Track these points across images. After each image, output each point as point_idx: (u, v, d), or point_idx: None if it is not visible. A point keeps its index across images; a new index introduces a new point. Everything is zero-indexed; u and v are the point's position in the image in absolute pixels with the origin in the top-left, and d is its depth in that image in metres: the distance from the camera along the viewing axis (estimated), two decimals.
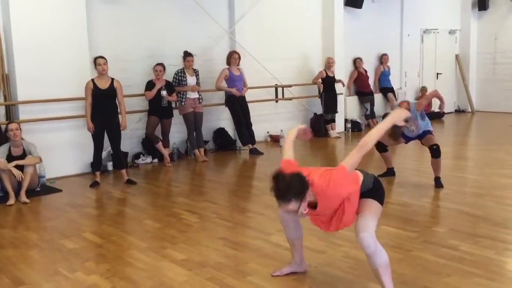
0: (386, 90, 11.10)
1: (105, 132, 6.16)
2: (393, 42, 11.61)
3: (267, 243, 3.92)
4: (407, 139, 5.81)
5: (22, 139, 5.76)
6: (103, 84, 6.06)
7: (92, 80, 6.08)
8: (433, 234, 3.97)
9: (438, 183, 5.43)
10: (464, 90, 12.97)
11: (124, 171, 6.31)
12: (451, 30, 12.88)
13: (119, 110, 6.23)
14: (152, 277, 3.35)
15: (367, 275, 3.21)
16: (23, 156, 5.68)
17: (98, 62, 6.03)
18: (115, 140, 6.21)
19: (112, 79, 6.15)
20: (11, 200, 5.38)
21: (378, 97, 10.94)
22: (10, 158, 5.60)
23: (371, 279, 3.15)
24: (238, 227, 4.34)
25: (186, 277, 3.33)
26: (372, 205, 2.88)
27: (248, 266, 3.46)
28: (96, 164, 6.22)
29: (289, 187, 2.65)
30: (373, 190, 2.96)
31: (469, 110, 13.03)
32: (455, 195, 5.11)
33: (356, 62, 10.62)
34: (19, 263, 3.69)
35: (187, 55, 7.44)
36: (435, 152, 5.45)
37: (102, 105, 6.04)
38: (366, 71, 10.70)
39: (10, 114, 6.32)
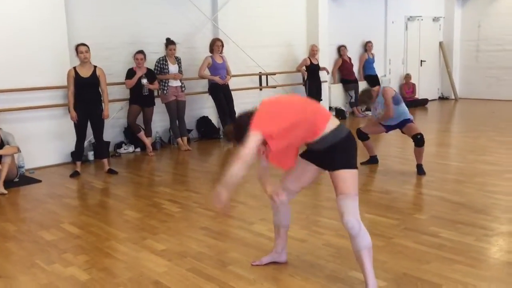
0: (371, 77, 11.09)
1: (88, 121, 6.04)
2: (378, 29, 11.59)
3: (249, 232, 3.89)
4: (387, 128, 5.79)
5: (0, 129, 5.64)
6: (85, 72, 5.95)
7: (74, 68, 5.96)
8: (414, 221, 3.97)
9: (420, 171, 5.44)
10: (448, 77, 13.03)
11: (105, 160, 6.23)
12: (435, 17, 12.89)
13: (102, 99, 6.12)
14: (131, 268, 3.30)
15: (348, 263, 3.21)
16: (0, 146, 5.56)
17: (80, 50, 5.90)
18: (98, 129, 6.13)
19: (95, 67, 6.04)
20: None
21: (362, 85, 10.90)
22: None
23: (352, 267, 3.15)
24: (219, 217, 4.29)
25: (166, 267, 3.29)
26: (349, 180, 2.78)
27: (228, 256, 3.43)
28: (77, 153, 6.11)
29: (240, 128, 2.78)
30: (344, 148, 2.85)
31: (453, 97, 13.11)
32: (437, 182, 5.12)
33: (341, 49, 10.59)
34: None
35: (169, 43, 7.33)
36: (419, 141, 5.44)
37: (85, 94, 5.93)
38: (350, 59, 10.68)
39: None
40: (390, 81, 11.74)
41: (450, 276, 2.96)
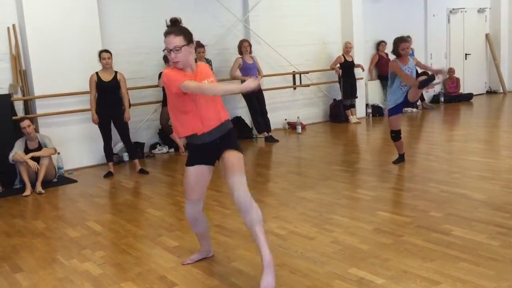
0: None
1: (112, 124, 6.32)
2: (418, 23, 11.30)
3: None
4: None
5: (37, 132, 5.99)
6: (107, 77, 6.23)
7: (96, 73, 6.24)
8: (428, 219, 3.89)
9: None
10: (496, 71, 12.50)
11: (137, 161, 6.47)
12: (480, 8, 12.40)
13: (123, 102, 6.41)
14: (141, 263, 3.45)
15: (350, 261, 3.21)
16: (39, 148, 5.92)
17: (103, 56, 6.19)
18: (123, 132, 6.40)
19: (116, 72, 6.31)
20: (27, 191, 5.62)
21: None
22: (26, 151, 5.84)
23: (352, 264, 3.15)
24: (235, 215, 4.37)
25: (174, 263, 3.42)
26: (239, 159, 2.96)
27: (235, 252, 3.51)
28: (107, 154, 6.40)
29: (185, 29, 2.94)
30: (232, 135, 3.06)
31: (501, 91, 12.57)
32: (461, 179, 4.98)
33: (380, 45, 10.40)
34: (21, 251, 3.87)
35: (198, 46, 7.48)
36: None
37: (107, 97, 6.20)
38: (387, 54, 10.45)
39: (28, 108, 6.57)
40: None
41: (452, 274, 2.90)
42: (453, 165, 5.64)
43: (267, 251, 2.86)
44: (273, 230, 3.89)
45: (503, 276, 2.85)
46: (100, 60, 6.21)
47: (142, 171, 6.34)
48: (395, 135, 5.74)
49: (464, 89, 11.99)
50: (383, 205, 4.34)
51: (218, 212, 4.50)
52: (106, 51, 6.24)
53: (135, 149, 6.75)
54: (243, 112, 8.62)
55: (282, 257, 3.37)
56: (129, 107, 6.47)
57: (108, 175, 6.28)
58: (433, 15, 11.53)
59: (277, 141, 7.95)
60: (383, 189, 4.89)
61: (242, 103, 8.44)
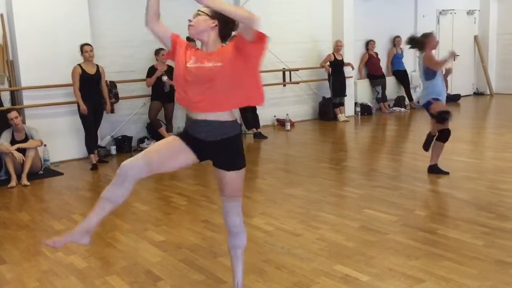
0: (399, 73, 10.91)
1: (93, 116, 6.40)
2: (407, 23, 11.34)
3: (246, 225, 3.85)
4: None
5: (23, 123, 5.93)
6: (91, 70, 6.32)
7: (79, 65, 6.26)
8: (414, 218, 3.93)
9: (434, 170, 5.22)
10: (483, 72, 12.62)
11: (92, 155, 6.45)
12: (469, 10, 12.50)
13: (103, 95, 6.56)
14: (127, 257, 3.44)
15: (335, 258, 3.23)
16: (25, 140, 5.86)
17: (85, 49, 6.26)
18: (98, 124, 6.57)
19: (97, 65, 6.41)
20: (13, 182, 5.56)
21: (390, 80, 10.76)
22: (13, 142, 5.78)
23: (338, 261, 3.18)
24: (222, 210, 4.37)
25: (160, 258, 3.41)
26: (237, 180, 2.66)
27: (221, 248, 3.51)
28: (90, 147, 6.41)
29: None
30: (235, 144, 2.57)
31: (488, 92, 12.70)
32: (447, 179, 5.03)
33: (369, 44, 10.44)
34: (6, 242, 3.83)
35: (189, 41, 7.44)
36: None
37: (90, 90, 6.28)
38: (377, 54, 10.52)
39: (15, 99, 6.49)
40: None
41: (436, 273, 2.93)
42: (440, 165, 5.68)
43: (242, 275, 2.78)
44: (260, 226, 3.90)
45: (486, 276, 2.88)
46: (82, 53, 6.27)
47: (101, 161, 6.56)
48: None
49: (452, 90, 12.07)
50: (369, 203, 4.37)
51: (206, 208, 4.50)
52: (88, 44, 6.32)
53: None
54: None
55: (268, 253, 3.38)
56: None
57: (94, 167, 6.25)
58: (423, 16, 11.59)
59: (265, 137, 7.95)
60: (370, 187, 4.92)
61: None
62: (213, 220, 4.11)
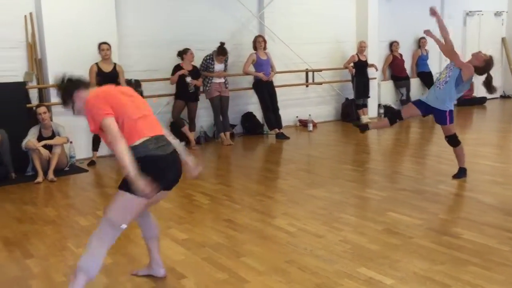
0: (424, 74, 10.78)
1: None
2: (433, 25, 11.10)
3: (269, 225, 3.97)
4: (424, 111, 5.17)
5: (50, 120, 6.04)
6: (107, 68, 6.46)
7: (96, 64, 6.41)
8: (439, 222, 3.88)
9: (460, 174, 5.12)
10: (511, 75, 12.38)
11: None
12: (497, 11, 12.28)
13: None
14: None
15: (359, 260, 3.21)
16: (52, 137, 5.97)
17: (102, 47, 6.40)
18: None
19: (115, 63, 6.52)
20: (39, 178, 5.67)
21: (414, 82, 10.64)
22: (40, 139, 5.89)
23: (362, 263, 3.16)
24: (245, 210, 4.40)
25: (183, 256, 3.44)
26: (116, 199, 2.67)
27: (244, 247, 3.52)
28: (95, 143, 6.59)
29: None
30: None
31: None
32: (473, 183, 4.96)
33: (393, 45, 10.34)
34: (33, 237, 3.91)
35: (224, 53, 7.44)
36: (450, 142, 5.13)
37: None
38: (401, 55, 10.42)
39: (42, 97, 6.62)
40: None
41: (461, 278, 2.90)
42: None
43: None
44: (283, 227, 3.90)
45: None
46: (99, 51, 6.41)
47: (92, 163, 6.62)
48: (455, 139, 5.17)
49: (477, 92, 11.87)
50: (393, 206, 4.34)
51: (228, 207, 4.52)
52: (105, 43, 6.44)
53: None
54: (255, 108, 8.62)
55: (291, 254, 3.38)
56: None
57: (92, 163, 6.45)
58: (449, 17, 11.41)
59: (288, 138, 7.94)
60: (393, 190, 4.88)
61: (254, 99, 8.44)
62: (236, 220, 4.13)
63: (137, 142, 2.56)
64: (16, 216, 4.48)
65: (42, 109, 5.87)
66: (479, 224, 3.77)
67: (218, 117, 7.69)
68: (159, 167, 2.61)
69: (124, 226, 2.65)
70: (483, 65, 4.99)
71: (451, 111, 5.03)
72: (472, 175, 5.24)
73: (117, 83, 6.47)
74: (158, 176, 2.58)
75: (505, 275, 2.92)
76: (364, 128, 5.62)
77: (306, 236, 3.69)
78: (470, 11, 11.79)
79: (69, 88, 2.75)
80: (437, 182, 5.06)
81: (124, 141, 2.50)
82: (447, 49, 5.02)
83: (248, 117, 8.57)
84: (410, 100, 10.34)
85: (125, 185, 2.53)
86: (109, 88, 2.74)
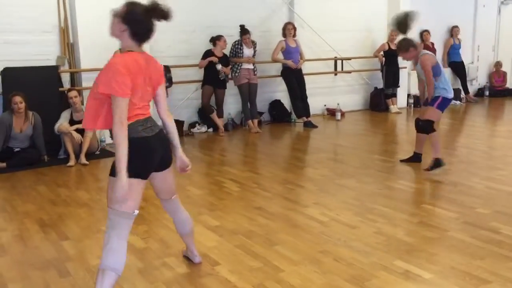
0: (456, 64, 10.53)
1: None
2: (466, 13, 10.93)
3: (301, 214, 3.94)
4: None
5: (82, 104, 6.10)
6: None
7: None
8: (475, 216, 3.80)
9: (435, 165, 5.00)
10: None
11: None
12: None
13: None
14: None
15: (395, 252, 3.16)
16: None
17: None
18: None
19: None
20: (71, 162, 5.74)
21: (446, 72, 10.33)
22: (72, 122, 5.96)
23: (398, 256, 3.11)
24: (275, 198, 4.38)
25: (216, 242, 3.44)
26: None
27: (277, 236, 3.51)
28: None
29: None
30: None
31: None
32: (509, 177, 4.83)
33: (423, 35, 10.11)
34: (67, 219, 3.97)
35: (243, 32, 7.42)
36: (419, 127, 5.15)
37: None
38: (433, 44, 10.19)
39: (75, 81, 6.68)
40: (478, 68, 11.08)
41: (503, 274, 2.83)
42: (498, 161, 5.48)
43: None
44: (315, 217, 3.86)
45: None
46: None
47: None
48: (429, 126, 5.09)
49: (510, 84, 11.58)
50: (427, 198, 4.27)
51: (258, 195, 4.50)
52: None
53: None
54: (282, 95, 8.56)
55: (324, 244, 3.35)
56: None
57: None
58: (483, 6, 11.12)
59: (316, 126, 7.87)
60: (425, 181, 4.79)
61: (282, 86, 8.38)
62: (267, 208, 4.11)
63: (129, 122, 2.45)
64: (51, 198, 4.54)
65: (73, 93, 5.93)
66: None
67: (246, 104, 7.66)
68: (145, 148, 2.53)
69: (135, 212, 2.57)
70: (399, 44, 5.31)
71: (443, 98, 5.02)
72: (507, 168, 5.13)
73: None
74: (144, 158, 2.53)
75: None
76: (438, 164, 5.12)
77: (339, 227, 3.66)
78: (504, 0, 11.44)
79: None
80: (470, 175, 4.95)
81: (126, 128, 2.38)
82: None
83: (275, 105, 8.52)
84: None
85: (115, 171, 2.42)
86: (137, 60, 2.52)
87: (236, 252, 3.26)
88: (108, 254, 2.46)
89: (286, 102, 8.55)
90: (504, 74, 11.41)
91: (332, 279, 2.84)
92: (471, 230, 3.51)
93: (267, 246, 3.34)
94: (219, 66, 7.17)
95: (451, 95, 5.10)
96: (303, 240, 3.43)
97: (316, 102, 8.77)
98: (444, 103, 5.08)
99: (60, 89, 6.38)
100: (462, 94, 10.45)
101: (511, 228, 3.49)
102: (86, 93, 6.60)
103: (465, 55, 10.79)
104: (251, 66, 7.59)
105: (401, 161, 5.39)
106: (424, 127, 5.10)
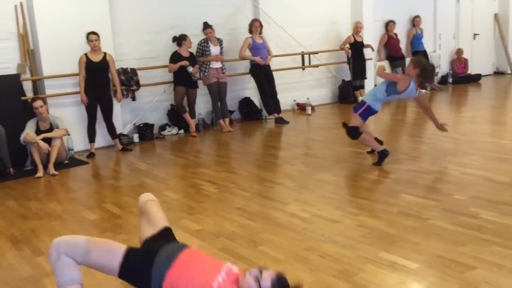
0: (419, 53, 10.70)
1: (98, 105, 6.43)
2: (426, 3, 11.12)
3: (282, 212, 3.90)
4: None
5: (47, 113, 5.90)
6: (96, 58, 6.31)
7: (85, 54, 6.28)
8: (454, 202, 3.84)
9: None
10: (504, 51, 12.37)
11: (117, 140, 6.61)
12: None
13: (112, 83, 6.57)
14: None
15: (379, 244, 3.16)
16: (50, 130, 5.84)
17: (90, 38, 6.24)
18: (107, 111, 6.50)
19: (105, 53, 6.37)
20: (40, 173, 5.55)
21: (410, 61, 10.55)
22: (38, 132, 5.76)
23: (383, 248, 3.11)
24: (255, 197, 4.33)
25: (199, 247, 3.34)
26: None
27: (260, 236, 3.46)
28: (90, 135, 6.47)
29: None
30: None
31: (509, 71, 12.45)
32: (482, 161, 4.93)
33: (389, 25, 10.23)
34: (41, 234, 3.82)
35: (205, 27, 7.34)
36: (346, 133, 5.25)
37: (95, 78, 6.30)
38: (396, 35, 10.33)
39: (37, 88, 6.45)
40: (440, 57, 11.29)
41: (486, 259, 2.86)
42: (469, 147, 5.58)
43: None
44: (297, 213, 3.83)
45: None
46: (88, 42, 6.25)
47: (125, 149, 6.55)
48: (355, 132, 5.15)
49: (472, 70, 11.87)
50: (404, 187, 4.29)
51: (238, 195, 4.44)
52: (94, 33, 6.27)
53: (115, 129, 6.67)
54: (252, 93, 8.51)
55: (309, 241, 3.32)
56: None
57: (91, 155, 6.32)
58: None
59: (287, 122, 7.86)
60: (401, 171, 4.83)
61: (252, 84, 8.33)
62: (248, 208, 4.06)
63: None
64: (21, 212, 4.37)
65: (38, 103, 5.72)
66: (495, 203, 3.74)
67: (216, 103, 7.58)
68: None
69: None
70: (419, 67, 5.04)
71: (369, 107, 5.09)
72: (480, 153, 5.22)
73: (106, 74, 6.44)
74: None
75: None
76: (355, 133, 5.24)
77: (322, 222, 3.64)
78: None
79: None
80: (444, 162, 5.03)
81: None
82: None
83: (246, 103, 8.47)
84: None
85: None
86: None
87: (220, 255, 3.19)
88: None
89: (256, 99, 8.51)
90: (466, 61, 11.67)
91: (320, 276, 2.81)
92: (451, 217, 3.55)
93: (250, 247, 3.29)
94: (190, 69, 7.07)
95: (377, 109, 5.19)
96: (286, 238, 3.39)
97: (285, 98, 8.76)
98: (368, 112, 5.16)
99: (23, 98, 6.15)
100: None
101: (489, 213, 3.55)
102: (50, 101, 6.40)
103: (428, 44, 10.97)
104: (219, 65, 7.50)
105: (374, 164, 5.11)
106: (351, 133, 5.18)
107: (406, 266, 2.85)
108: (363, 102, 5.18)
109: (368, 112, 5.17)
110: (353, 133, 5.17)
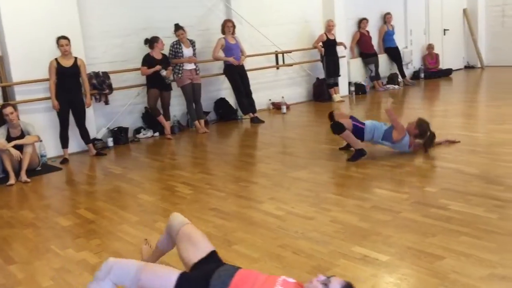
0: (391, 50, 10.86)
1: (70, 110, 6.36)
2: (397, 0, 11.27)
3: (257, 211, 3.92)
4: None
5: (18, 119, 5.81)
6: (67, 63, 6.24)
7: (56, 59, 6.21)
8: (424, 195, 3.92)
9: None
10: (473, 45, 12.62)
11: (90, 145, 6.56)
12: None
13: (83, 88, 6.49)
14: (139, 250, 3.37)
15: (352, 239, 3.21)
16: (21, 136, 5.75)
17: (61, 43, 6.16)
18: (81, 117, 6.44)
19: (76, 57, 6.31)
20: (12, 180, 5.46)
21: (382, 58, 10.71)
22: (9, 139, 5.67)
23: (355, 242, 3.15)
24: (230, 197, 4.34)
25: (174, 249, 3.35)
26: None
27: (234, 235, 3.47)
28: (64, 141, 6.40)
29: None
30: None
31: (479, 65, 12.71)
32: (452, 154, 5.03)
33: (362, 23, 10.34)
34: (13, 242, 3.76)
35: (177, 28, 7.32)
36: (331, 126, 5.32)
37: (66, 83, 6.23)
38: (368, 32, 10.45)
39: (6, 95, 6.34)
40: (412, 52, 11.47)
41: (455, 249, 2.93)
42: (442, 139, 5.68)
43: None
44: (271, 212, 3.86)
45: (506, 248, 2.88)
46: (58, 47, 6.17)
47: (99, 154, 6.50)
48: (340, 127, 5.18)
49: (443, 64, 12.09)
50: (377, 182, 4.36)
51: (212, 196, 4.44)
52: (64, 37, 6.19)
53: (89, 134, 6.59)
54: (227, 93, 8.52)
55: (283, 238, 3.35)
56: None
57: (64, 161, 6.26)
58: None
59: (262, 122, 7.89)
60: (375, 166, 4.90)
61: (226, 84, 8.33)
62: (223, 208, 4.06)
63: None
64: None
65: (9, 110, 5.63)
66: (464, 194, 3.82)
67: (191, 105, 7.56)
68: None
69: None
70: (419, 129, 5.14)
71: (363, 130, 5.23)
72: (450, 146, 5.32)
73: (77, 79, 6.35)
74: None
75: (496, 242, 2.96)
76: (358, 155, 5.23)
77: (296, 219, 3.67)
78: None
79: None
80: (415, 156, 5.12)
81: None
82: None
83: (221, 103, 8.46)
84: (379, 77, 10.47)
85: None
86: None
87: None
88: None
89: (231, 99, 8.51)
90: (437, 56, 11.88)
91: (293, 273, 2.83)
92: (421, 209, 3.62)
93: (225, 247, 3.29)
94: (163, 73, 7.04)
95: (366, 138, 5.26)
96: (261, 236, 3.41)
97: (260, 97, 8.79)
98: (358, 131, 5.23)
99: None
100: (400, 78, 10.78)
101: (459, 204, 3.63)
102: (21, 107, 6.30)
103: (399, 40, 11.14)
104: (193, 66, 7.49)
105: (348, 160, 5.18)
106: (335, 128, 5.21)
107: (378, 259, 2.90)
108: (363, 123, 5.28)
109: (359, 132, 5.21)
110: (338, 128, 5.17)
